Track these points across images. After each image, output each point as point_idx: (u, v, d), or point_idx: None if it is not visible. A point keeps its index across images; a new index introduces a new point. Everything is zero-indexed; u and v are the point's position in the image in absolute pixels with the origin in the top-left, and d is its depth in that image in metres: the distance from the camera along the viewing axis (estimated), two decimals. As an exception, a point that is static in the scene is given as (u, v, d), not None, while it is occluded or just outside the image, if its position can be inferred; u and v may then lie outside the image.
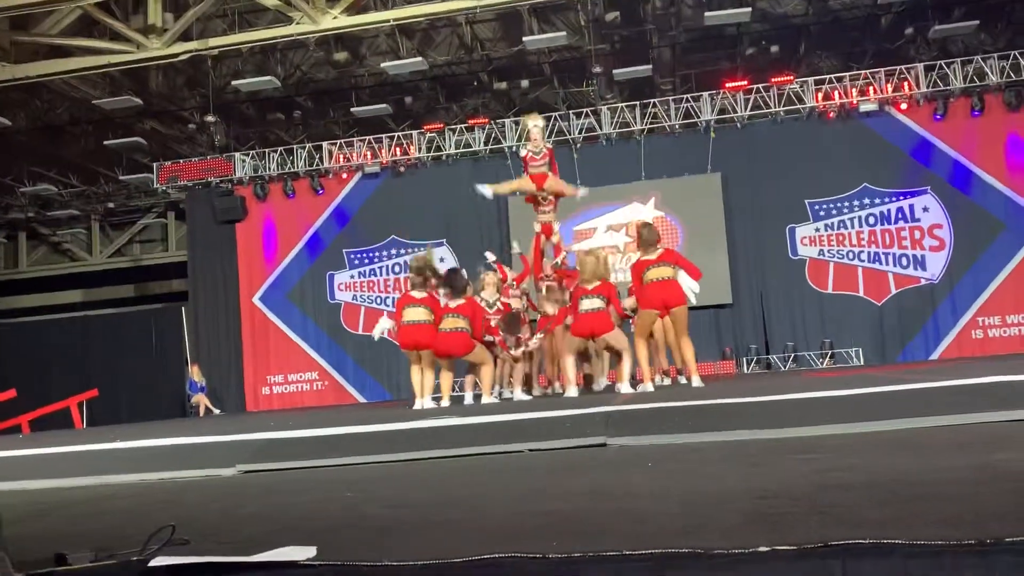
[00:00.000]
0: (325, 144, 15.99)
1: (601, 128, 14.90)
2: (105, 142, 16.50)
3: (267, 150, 16.32)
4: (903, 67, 14.17)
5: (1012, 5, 14.17)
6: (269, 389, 16.22)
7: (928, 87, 13.99)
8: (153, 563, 1.65)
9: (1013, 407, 3.47)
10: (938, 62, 14.06)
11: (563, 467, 3.17)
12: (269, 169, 16.12)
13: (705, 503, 2.07)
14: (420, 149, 15.57)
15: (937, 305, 14.14)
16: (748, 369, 14.02)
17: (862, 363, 13.80)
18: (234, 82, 14.99)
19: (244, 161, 16.20)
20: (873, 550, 1.37)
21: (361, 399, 15.68)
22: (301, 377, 16.11)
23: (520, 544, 1.65)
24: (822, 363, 13.95)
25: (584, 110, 15.22)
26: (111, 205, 19.79)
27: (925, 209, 14.37)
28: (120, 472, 4.07)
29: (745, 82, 14.61)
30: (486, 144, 15.38)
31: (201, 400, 15.39)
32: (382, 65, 14.60)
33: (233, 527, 2.33)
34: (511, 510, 2.21)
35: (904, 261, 14.37)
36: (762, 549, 1.43)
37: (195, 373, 15.67)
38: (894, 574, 1.36)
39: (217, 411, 15.36)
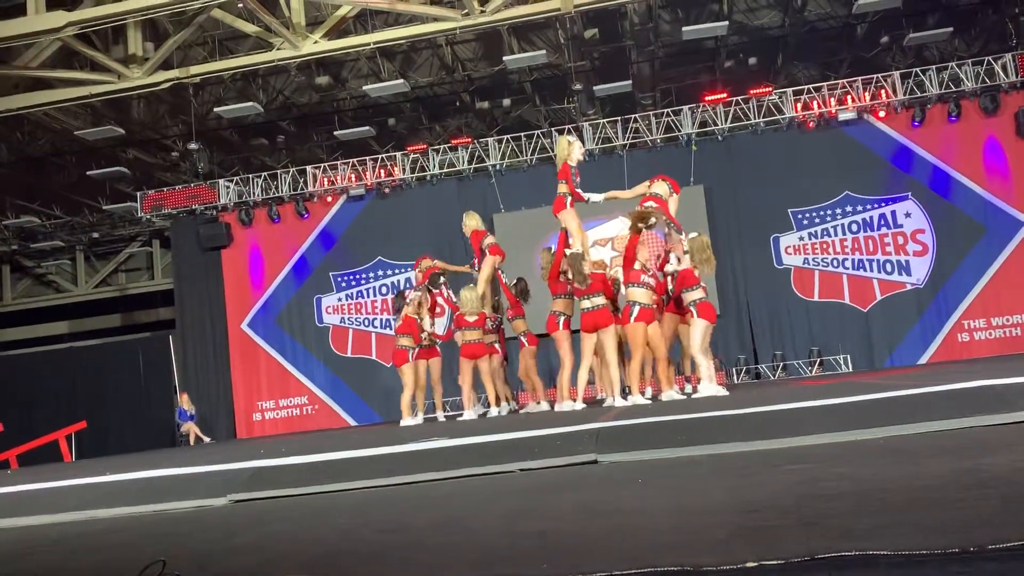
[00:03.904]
0: (309, 168, 16.01)
1: (584, 144, 14.96)
2: (88, 172, 16.47)
3: (251, 175, 16.32)
4: (880, 75, 14.34)
5: (984, 11, 14.38)
6: (260, 415, 16.13)
7: (905, 94, 14.16)
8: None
9: (998, 411, 3.51)
10: (914, 69, 14.25)
11: (554, 485, 3.18)
12: (253, 194, 16.11)
13: (694, 518, 2.08)
14: (404, 170, 15.61)
15: (923, 310, 14.23)
16: (737, 379, 14.06)
17: (850, 370, 13.86)
18: (216, 109, 15.01)
19: (228, 187, 16.19)
20: (858, 561, 1.39)
21: (352, 422, 15.62)
22: (291, 402, 16.03)
23: (513, 566, 1.66)
24: (811, 371, 14.01)
25: (566, 127, 15.32)
26: (95, 235, 19.72)
27: (907, 215, 14.49)
28: (110, 506, 4.04)
29: (724, 95, 14.74)
30: (470, 163, 15.44)
31: (191, 429, 15.28)
32: (364, 88, 14.66)
33: (225, 559, 2.33)
34: (504, 531, 2.22)
35: (888, 267, 14.48)
36: (749, 564, 1.44)
37: (184, 401, 15.56)
38: (881, 584, 1.38)
39: (207, 439, 15.25)
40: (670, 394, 7.51)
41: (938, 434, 3.38)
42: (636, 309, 7.45)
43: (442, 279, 10.00)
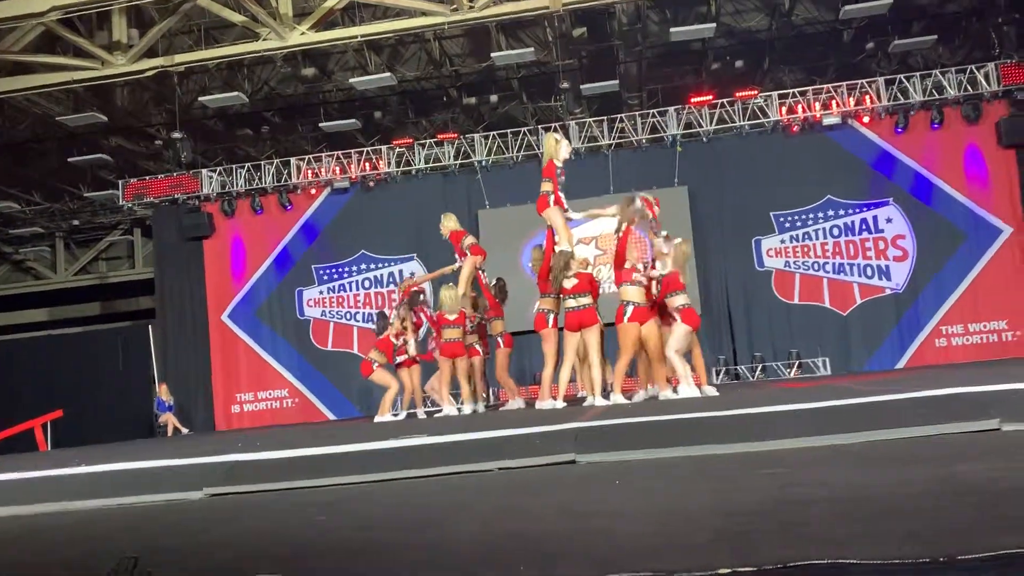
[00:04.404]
0: (293, 159, 15.91)
1: (570, 143, 14.96)
2: (69, 159, 16.29)
3: (234, 166, 16.19)
4: (864, 81, 14.43)
5: (968, 21, 14.50)
6: (239, 407, 16.04)
7: (889, 100, 14.26)
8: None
9: (973, 419, 3.54)
10: (898, 76, 14.34)
11: (533, 485, 3.18)
12: (237, 185, 15.99)
13: (671, 522, 2.09)
14: (389, 164, 15.54)
15: (902, 314, 14.36)
16: (717, 380, 14.12)
17: (829, 372, 13.96)
18: (201, 98, 14.87)
19: (211, 177, 16.07)
20: (830, 570, 1.40)
21: (331, 416, 15.56)
22: (271, 395, 15.95)
23: (489, 569, 1.66)
24: (789, 373, 14.10)
25: (552, 124, 15.32)
26: (76, 222, 19.51)
27: (888, 220, 14.61)
28: (85, 498, 4.01)
29: (710, 96, 14.78)
30: (456, 158, 15.40)
31: (169, 419, 15.17)
32: (350, 80, 14.58)
33: (200, 554, 2.32)
34: (481, 531, 2.22)
35: (869, 271, 14.59)
36: (723, 571, 1.45)
37: (163, 392, 15.45)
38: (852, 593, 1.39)
39: (186, 430, 15.14)
40: (666, 394, 7.52)
41: (914, 440, 3.41)
42: (630, 308, 7.46)
43: (422, 296, 10.25)
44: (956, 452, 2.97)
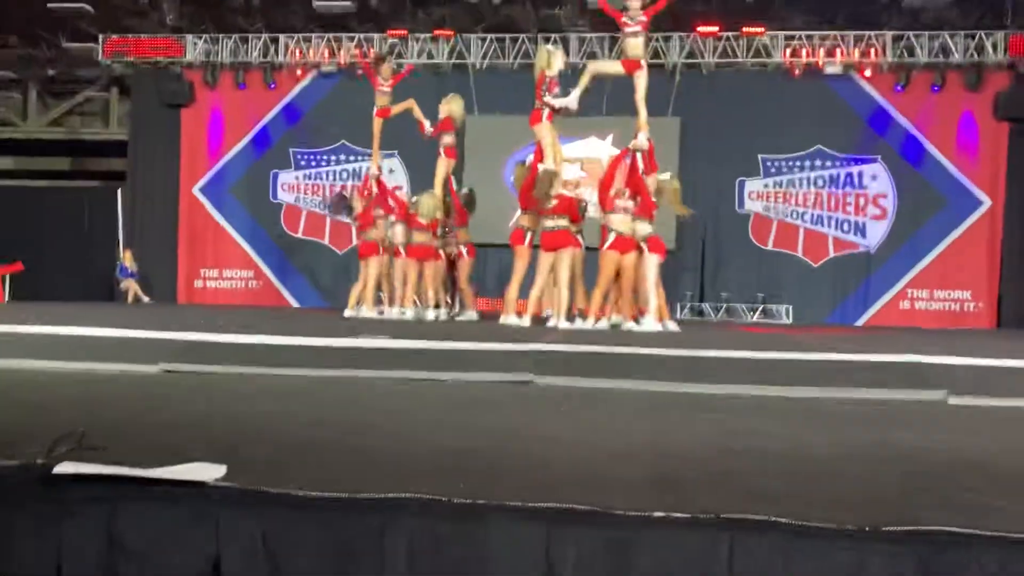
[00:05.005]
0: (283, 37, 15.41)
1: (568, 56, 14.64)
2: (49, 4, 15.61)
3: (221, 35, 15.65)
4: (872, 33, 14.20)
5: (986, -16, 14.22)
6: (202, 282, 15.99)
7: (894, 57, 14.08)
8: (57, 470, 1.64)
9: (919, 387, 3.64)
10: (906, 33, 14.12)
11: (486, 402, 3.22)
12: (221, 56, 15.50)
13: (611, 457, 2.13)
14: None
15: (871, 273, 14.56)
16: (680, 315, 14.32)
17: (790, 321, 14.21)
18: (193, -42, 14.25)
19: (196, 44, 15.55)
20: (761, 527, 1.44)
21: (295, 303, 15.58)
22: (236, 274, 15.89)
23: (430, 482, 1.68)
24: (752, 316, 14.33)
25: (552, 35, 14.92)
26: (51, 72, 18.82)
27: (873, 177, 14.65)
28: (41, 358, 4.00)
29: (716, 28, 14.48)
30: (449, 58, 15.03)
31: (131, 286, 15.10)
32: (351, -41, 14.03)
33: (148, 432, 2.33)
34: (427, 443, 2.25)
35: (845, 226, 14.70)
36: (656, 515, 1.49)
37: (127, 258, 15.32)
38: (777, 551, 1.43)
39: (147, 299, 15.10)
40: (630, 325, 7.63)
41: (860, 402, 3.49)
42: (612, 236, 7.49)
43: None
44: (898, 420, 3.05)
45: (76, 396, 3.11)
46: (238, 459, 1.86)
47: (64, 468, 1.66)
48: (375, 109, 10.36)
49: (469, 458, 2.04)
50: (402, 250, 9.44)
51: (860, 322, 14.39)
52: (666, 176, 7.93)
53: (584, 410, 3.07)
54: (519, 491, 1.64)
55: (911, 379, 3.77)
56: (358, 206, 9.67)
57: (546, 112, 8.12)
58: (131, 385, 3.49)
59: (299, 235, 15.77)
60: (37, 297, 14.04)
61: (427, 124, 9.81)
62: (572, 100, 8.17)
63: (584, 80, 8.35)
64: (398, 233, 9.49)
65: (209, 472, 1.70)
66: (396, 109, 10.33)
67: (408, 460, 2.00)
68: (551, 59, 8.10)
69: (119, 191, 16.60)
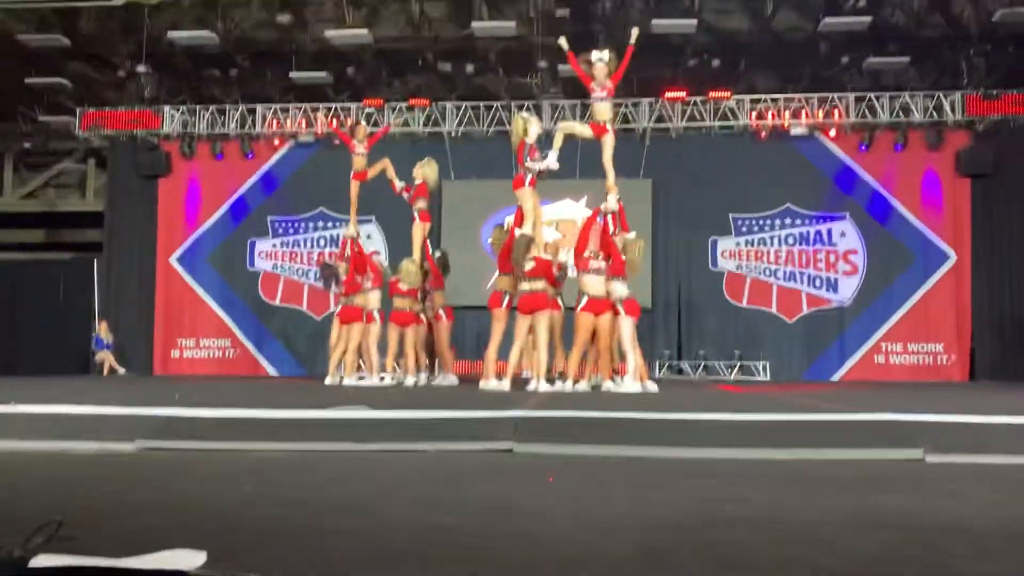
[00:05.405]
0: (260, 107, 15.60)
1: (541, 121, 14.93)
2: (27, 79, 15.74)
3: (198, 107, 15.82)
4: (835, 95, 14.64)
5: (941, 48, 14.78)
6: (179, 352, 15.83)
7: (857, 117, 14.51)
8: (33, 563, 1.61)
9: (897, 446, 3.67)
10: (868, 94, 14.58)
11: (467, 473, 3.21)
12: (198, 127, 15.65)
13: (597, 530, 2.13)
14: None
15: (845, 328, 14.73)
16: (659, 373, 14.35)
17: (768, 378, 14.28)
18: (171, 33, 14.47)
19: (173, 116, 15.69)
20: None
21: (272, 371, 15.45)
22: (213, 343, 15.76)
23: (407, 566, 1.68)
24: (730, 374, 14.39)
25: (525, 103, 15.24)
26: (27, 145, 18.87)
27: (842, 234, 14.93)
28: (10, 438, 3.93)
29: (684, 93, 14.86)
30: (425, 126, 15.27)
31: (106, 357, 14.91)
32: (326, 33, 14.32)
33: (126, 517, 2.30)
34: (407, 521, 2.24)
35: (818, 282, 14.91)
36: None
37: (103, 330, 15.17)
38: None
39: (122, 370, 14.91)
40: (608, 385, 7.70)
41: (838, 463, 3.52)
42: (585, 299, 7.58)
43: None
44: (877, 481, 3.07)
45: (52, 478, 3.06)
46: (217, 546, 1.84)
47: (40, 561, 1.63)
48: (352, 172, 10.49)
49: (452, 536, 2.03)
50: (376, 315, 9.47)
51: (836, 376, 14.50)
52: (631, 236, 8.06)
53: (566, 479, 3.06)
54: (502, 572, 1.64)
55: (889, 438, 3.81)
56: (343, 273, 9.70)
57: (528, 177, 8.27)
58: (108, 465, 3.44)
59: (277, 303, 15.73)
60: (10, 372, 13.80)
61: (398, 184, 9.98)
62: (552, 161, 8.35)
63: (558, 139, 8.56)
64: (372, 299, 9.52)
65: (189, 560, 1.68)
66: (372, 171, 10.45)
67: (391, 543, 1.99)
68: (527, 126, 8.29)
69: (95, 262, 16.52)
